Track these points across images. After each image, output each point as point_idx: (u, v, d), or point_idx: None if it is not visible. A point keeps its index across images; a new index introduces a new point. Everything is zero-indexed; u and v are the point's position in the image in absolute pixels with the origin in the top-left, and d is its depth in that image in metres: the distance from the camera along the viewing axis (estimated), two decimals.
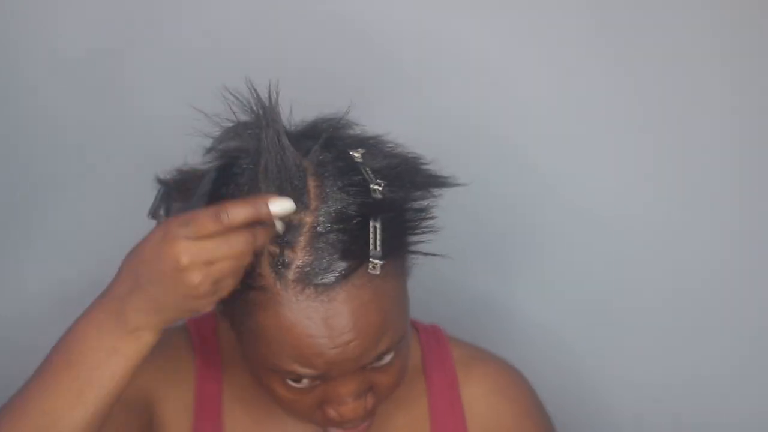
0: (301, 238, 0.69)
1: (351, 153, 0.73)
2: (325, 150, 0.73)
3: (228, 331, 0.82)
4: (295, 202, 0.67)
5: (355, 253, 0.69)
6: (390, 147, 0.76)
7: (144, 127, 1.08)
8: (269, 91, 0.70)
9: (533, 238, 1.09)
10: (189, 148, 0.74)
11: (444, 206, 0.76)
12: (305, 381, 0.73)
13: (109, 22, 1.04)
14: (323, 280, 0.69)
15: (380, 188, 0.72)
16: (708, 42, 1.01)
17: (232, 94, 0.70)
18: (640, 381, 1.11)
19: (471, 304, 1.12)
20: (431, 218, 0.75)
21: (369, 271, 0.70)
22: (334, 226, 0.69)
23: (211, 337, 0.87)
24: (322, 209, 0.70)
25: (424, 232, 0.74)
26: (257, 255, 0.69)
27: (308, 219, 0.70)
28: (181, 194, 0.73)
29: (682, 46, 1.02)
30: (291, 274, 0.69)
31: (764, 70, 1.02)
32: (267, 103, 0.70)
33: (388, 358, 0.74)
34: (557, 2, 1.02)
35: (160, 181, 0.74)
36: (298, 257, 0.69)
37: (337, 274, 0.69)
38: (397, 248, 0.73)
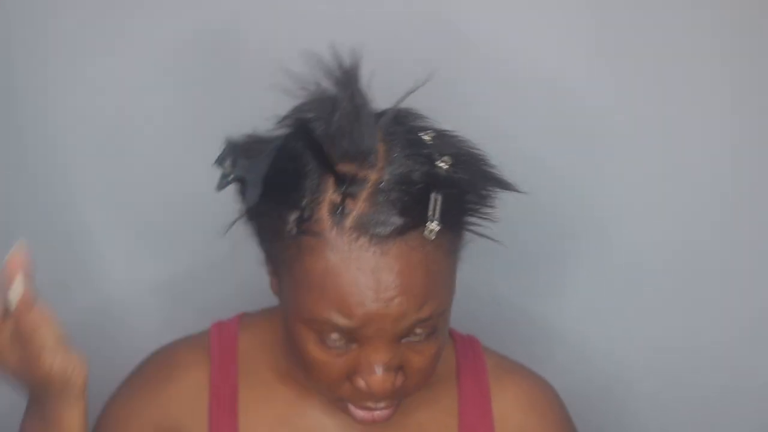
0: (364, 192, 0.71)
1: (420, 134, 0.75)
2: (395, 124, 0.75)
3: (249, 339, 0.85)
4: (364, 159, 0.71)
5: (413, 213, 0.71)
6: (458, 139, 0.77)
7: None
8: (352, 57, 0.73)
9: (543, 237, 1.10)
10: None
11: None
12: (339, 341, 0.73)
13: None
14: (379, 231, 0.70)
15: (446, 165, 0.74)
16: (708, 42, 1.02)
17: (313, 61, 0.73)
18: (648, 380, 1.12)
19: (483, 306, 1.12)
20: (491, 206, 0.76)
21: (424, 234, 0.71)
22: (397, 186, 0.71)
23: (232, 344, 0.87)
24: (387, 170, 0.72)
25: (482, 217, 0.75)
26: (317, 201, 0.71)
27: (373, 176, 0.72)
28: (248, 153, 0.75)
29: (681, 45, 1.02)
30: (348, 222, 0.71)
31: (765, 70, 1.02)
32: (348, 65, 0.73)
33: (424, 335, 0.74)
34: (560, 1, 1.03)
35: (229, 141, 0.76)
36: (358, 208, 0.71)
37: (392, 228, 0.70)
38: (454, 223, 0.74)
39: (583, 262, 1.10)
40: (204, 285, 1.11)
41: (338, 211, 0.71)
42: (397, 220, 0.71)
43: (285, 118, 0.76)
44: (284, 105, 0.76)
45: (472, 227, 0.76)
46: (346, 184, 0.71)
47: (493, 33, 1.03)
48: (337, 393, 0.77)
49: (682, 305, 1.10)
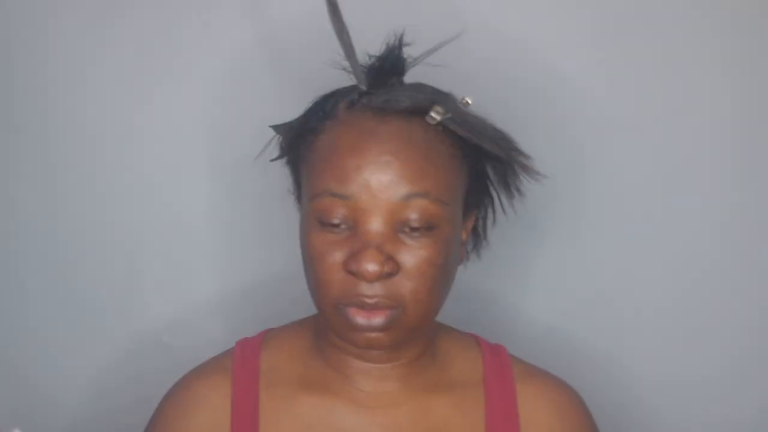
0: (381, 90, 0.79)
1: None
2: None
3: (271, 353, 0.87)
4: (391, 68, 0.81)
5: (420, 102, 0.78)
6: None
7: None
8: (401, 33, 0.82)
9: (540, 237, 1.10)
10: None
11: None
12: (340, 225, 0.77)
13: None
14: (384, 105, 0.78)
15: (469, 102, 0.82)
16: (707, 41, 1.02)
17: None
18: (648, 379, 1.12)
19: (477, 302, 1.12)
20: (498, 151, 0.81)
21: (427, 119, 0.78)
22: (412, 88, 0.80)
23: (254, 360, 0.88)
24: (407, 85, 0.82)
25: (491, 142, 0.80)
26: (339, 101, 0.81)
27: (390, 83, 0.81)
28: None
29: (684, 46, 1.03)
30: (359, 104, 0.80)
31: (765, 70, 1.03)
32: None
33: (420, 230, 0.77)
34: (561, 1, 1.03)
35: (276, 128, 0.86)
36: (373, 98, 0.79)
37: (398, 105, 0.78)
38: (459, 128, 0.79)
39: (583, 258, 1.11)
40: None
41: (354, 99, 0.80)
42: (404, 101, 0.78)
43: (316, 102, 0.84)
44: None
45: (480, 144, 0.80)
46: (370, 83, 0.80)
47: (497, 31, 1.04)
48: (334, 291, 0.78)
49: (683, 307, 1.11)
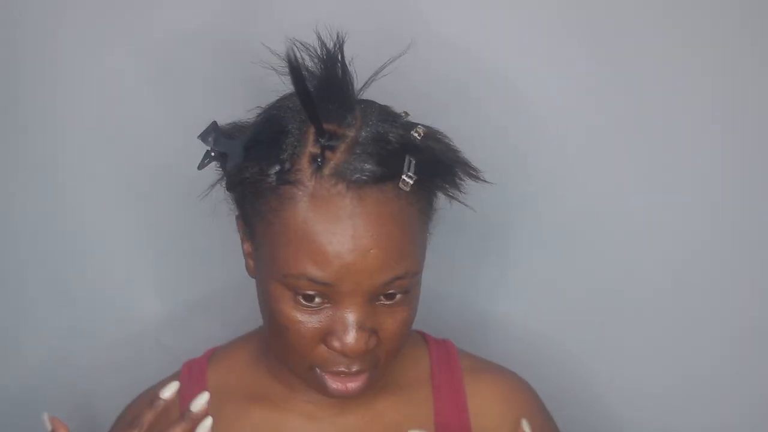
0: (342, 145, 0.73)
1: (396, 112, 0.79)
2: (371, 102, 0.79)
3: (218, 371, 0.88)
4: (343, 117, 0.75)
5: (389, 165, 0.73)
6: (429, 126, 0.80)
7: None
8: (337, 39, 0.77)
9: (524, 238, 1.09)
10: None
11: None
12: (314, 299, 0.74)
13: None
14: (356, 178, 0.72)
15: (419, 135, 0.76)
16: (709, 42, 1.01)
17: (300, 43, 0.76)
18: (635, 381, 1.11)
19: (457, 306, 1.12)
20: (460, 179, 0.78)
21: (400, 185, 0.73)
22: (374, 143, 0.74)
23: (200, 380, 0.89)
24: (364, 129, 0.75)
25: (452, 186, 0.78)
26: (298, 154, 0.74)
27: (351, 133, 0.74)
28: (230, 134, 0.79)
29: (680, 46, 1.01)
30: (327, 170, 0.73)
31: (764, 71, 1.02)
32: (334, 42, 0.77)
33: (397, 298, 0.75)
34: (555, 2, 1.02)
35: (214, 122, 0.80)
36: (337, 158, 0.73)
37: (370, 175, 0.72)
38: (427, 184, 0.76)
39: (570, 260, 1.09)
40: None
41: (318, 161, 0.73)
42: (374, 169, 0.72)
43: (268, 108, 0.80)
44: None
45: (444, 191, 0.78)
46: (327, 136, 0.73)
47: (493, 30, 1.03)
48: (309, 358, 0.77)
49: (680, 303, 1.09)
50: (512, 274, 1.10)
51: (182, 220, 1.09)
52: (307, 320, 0.75)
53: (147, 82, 1.05)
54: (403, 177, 0.73)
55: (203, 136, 0.78)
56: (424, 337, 0.93)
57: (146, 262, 1.12)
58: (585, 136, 1.04)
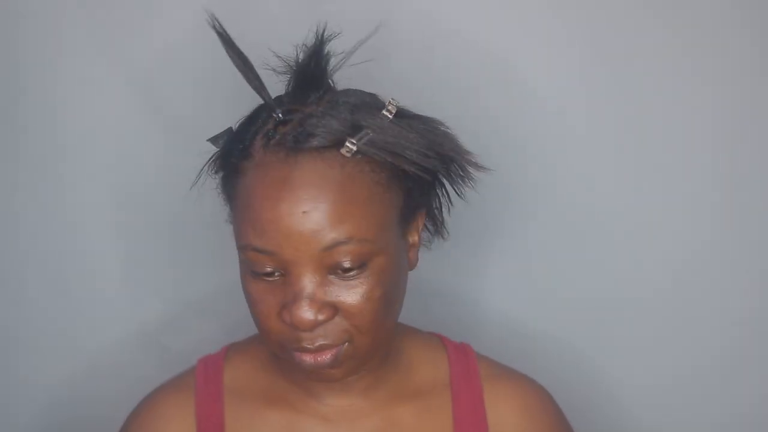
0: (295, 117, 0.75)
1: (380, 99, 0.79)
2: (353, 90, 0.80)
3: (234, 369, 0.87)
4: (306, 97, 0.76)
5: (335, 135, 0.74)
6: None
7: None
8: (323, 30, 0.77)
9: (521, 235, 1.09)
10: None
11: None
12: (269, 272, 0.74)
13: None
14: (297, 145, 0.73)
15: (390, 114, 0.76)
16: (711, 43, 1.01)
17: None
18: (633, 377, 1.11)
19: (452, 300, 1.12)
20: (428, 164, 0.77)
21: (342, 151, 0.74)
22: (328, 115, 0.74)
23: (217, 379, 0.88)
24: (324, 106, 0.76)
25: (414, 158, 0.76)
26: (257, 132, 0.76)
27: (308, 109, 0.76)
28: None
29: (682, 45, 1.02)
30: (273, 141, 0.75)
31: (764, 72, 1.02)
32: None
33: (353, 271, 0.74)
34: (559, 2, 1.02)
35: (230, 129, 0.82)
36: (285, 130, 0.75)
37: (309, 143, 0.73)
38: (379, 152, 0.75)
39: (566, 257, 1.10)
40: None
41: (269, 134, 0.75)
42: (315, 138, 0.73)
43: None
44: None
45: (402, 165, 0.76)
46: (278, 111, 0.75)
47: (497, 29, 1.03)
48: (277, 336, 0.77)
49: (676, 302, 1.10)
50: (515, 271, 1.10)
51: (182, 220, 1.09)
52: (265, 296, 0.76)
53: (146, 82, 1.05)
54: (346, 144, 0.73)
55: (214, 140, 0.80)
56: (442, 341, 0.92)
57: (146, 263, 1.12)
58: (585, 131, 1.05)
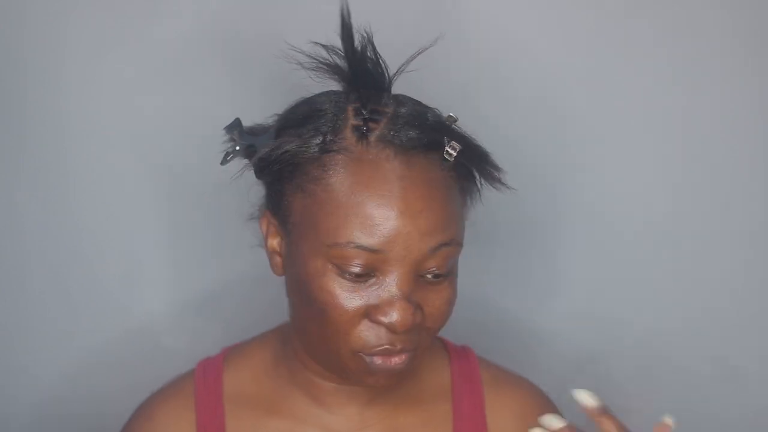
0: (383, 118, 0.74)
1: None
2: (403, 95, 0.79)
3: (234, 374, 0.85)
4: (379, 98, 0.75)
5: (433, 134, 0.74)
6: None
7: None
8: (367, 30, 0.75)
9: (542, 242, 1.09)
10: None
11: None
12: (360, 271, 0.72)
13: None
14: (404, 143, 0.73)
15: (451, 123, 0.77)
16: (729, 43, 1.02)
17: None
18: (651, 383, 1.11)
19: (477, 310, 1.11)
20: (493, 170, 0.78)
21: (445, 155, 0.74)
22: (413, 118, 0.74)
23: (217, 384, 0.86)
24: (401, 109, 0.75)
25: (489, 175, 0.77)
26: (340, 126, 0.74)
27: (389, 110, 0.75)
28: (252, 132, 0.80)
29: (699, 47, 1.02)
30: (373, 137, 0.73)
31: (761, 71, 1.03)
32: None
33: (440, 275, 0.74)
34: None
35: (238, 119, 0.80)
36: (380, 127, 0.73)
37: (417, 141, 0.73)
38: (467, 163, 0.76)
39: (574, 262, 1.10)
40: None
41: (363, 129, 0.73)
42: (420, 136, 0.73)
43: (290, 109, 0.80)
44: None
45: (483, 176, 0.77)
46: (369, 106, 0.74)
47: (504, 29, 1.03)
48: (351, 340, 0.75)
49: (675, 306, 1.10)
50: (531, 274, 1.10)
51: (184, 220, 1.09)
52: (351, 295, 0.73)
53: (151, 80, 1.05)
54: (447, 148, 0.73)
55: (229, 129, 0.78)
56: (444, 344, 0.91)
57: (147, 262, 1.11)
58: (615, 136, 1.05)
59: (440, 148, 0.73)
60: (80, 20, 1.02)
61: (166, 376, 0.89)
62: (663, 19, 1.02)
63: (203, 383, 0.86)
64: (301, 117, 0.76)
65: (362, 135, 0.73)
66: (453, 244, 0.74)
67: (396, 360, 0.75)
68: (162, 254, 1.10)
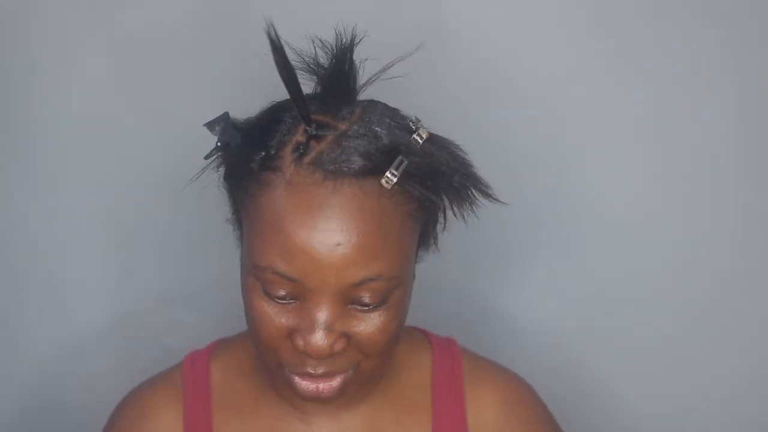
0: (330, 135, 0.71)
1: (405, 117, 0.76)
2: (380, 103, 0.76)
3: (222, 368, 0.86)
4: (338, 110, 0.72)
5: (374, 160, 0.70)
6: (446, 139, 0.77)
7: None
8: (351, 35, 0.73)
9: (536, 239, 1.09)
10: None
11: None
12: (283, 294, 0.72)
13: None
14: (335, 168, 0.69)
15: (421, 139, 0.73)
16: (720, 42, 1.01)
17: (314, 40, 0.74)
18: (644, 384, 1.11)
19: (471, 306, 1.12)
20: (462, 194, 0.75)
21: (382, 182, 0.70)
22: (364, 138, 0.71)
23: (204, 377, 0.87)
24: (358, 124, 0.72)
25: (455, 198, 0.74)
26: (284, 142, 0.72)
27: (342, 126, 0.72)
28: (238, 127, 0.77)
29: (692, 46, 1.02)
30: (307, 158, 0.70)
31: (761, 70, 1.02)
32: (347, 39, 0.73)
33: (373, 304, 0.72)
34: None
35: (226, 114, 0.77)
36: (321, 147, 0.70)
37: (350, 168, 0.69)
38: (417, 189, 0.72)
39: (581, 262, 1.10)
40: (214, 292, 1.10)
41: (300, 149, 0.70)
42: (356, 161, 0.69)
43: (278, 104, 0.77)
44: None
45: (437, 200, 0.74)
46: (314, 125, 0.71)
47: (503, 28, 1.03)
48: (278, 355, 0.75)
49: (667, 302, 1.10)
50: (532, 272, 1.11)
51: (181, 218, 1.09)
52: (276, 315, 0.73)
53: (131, 77, 1.05)
54: (387, 174, 0.69)
55: (210, 125, 0.76)
56: (427, 337, 0.90)
57: (145, 262, 1.12)
58: (606, 138, 1.05)
59: (380, 173, 0.70)
60: (73, 23, 1.02)
61: (147, 368, 0.90)
62: (659, 20, 1.02)
63: (191, 376, 0.87)
64: (261, 126, 0.75)
65: (299, 155, 0.70)
66: (381, 279, 0.71)
67: (323, 387, 0.75)
68: (148, 246, 1.11)
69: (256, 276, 0.72)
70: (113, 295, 1.12)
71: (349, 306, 0.72)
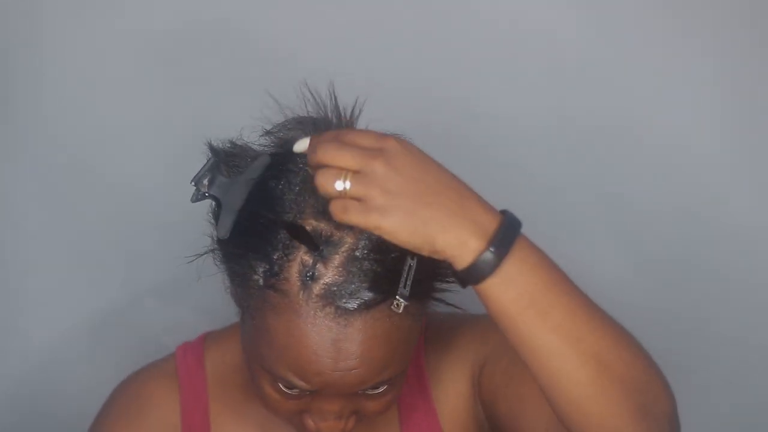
0: (337, 257, 0.69)
1: None
2: None
3: (216, 360, 0.87)
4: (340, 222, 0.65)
5: (383, 287, 0.69)
6: None
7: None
8: (353, 107, 0.72)
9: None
10: None
11: None
12: (295, 391, 0.73)
13: None
14: (346, 304, 0.69)
15: (401, 303, 0.71)
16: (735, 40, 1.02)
17: (310, 91, 0.73)
18: None
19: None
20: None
21: (392, 308, 0.69)
22: (371, 255, 0.69)
23: (199, 368, 0.88)
24: (364, 234, 0.69)
25: (450, 282, 0.73)
26: (288, 258, 0.69)
27: (349, 239, 0.69)
28: (229, 169, 0.72)
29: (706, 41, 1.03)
30: (317, 288, 0.69)
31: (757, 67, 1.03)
32: (345, 115, 0.72)
33: (382, 389, 0.75)
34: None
35: (212, 149, 0.72)
36: (329, 274, 0.69)
37: (360, 302, 0.69)
38: (425, 291, 0.73)
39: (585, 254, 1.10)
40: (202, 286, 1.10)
41: (308, 275, 0.69)
42: (366, 295, 0.69)
43: (269, 132, 0.75)
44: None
45: (440, 294, 0.74)
46: (320, 251, 0.68)
47: (503, 28, 1.04)
48: (289, 421, 0.79)
49: (677, 300, 1.10)
50: None
51: (181, 219, 1.08)
52: (286, 402, 0.75)
53: (130, 77, 1.06)
54: (397, 299, 0.68)
55: (197, 180, 0.71)
56: None
57: (144, 261, 1.12)
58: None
59: (388, 299, 0.69)
60: (73, 22, 1.04)
61: (131, 362, 0.90)
62: (664, 17, 1.03)
63: (185, 366, 0.88)
64: (258, 226, 0.69)
65: (307, 282, 0.69)
66: (391, 381, 0.74)
67: None
68: (160, 253, 1.11)
69: (265, 371, 0.74)
70: (112, 294, 1.13)
71: (359, 392, 0.74)
